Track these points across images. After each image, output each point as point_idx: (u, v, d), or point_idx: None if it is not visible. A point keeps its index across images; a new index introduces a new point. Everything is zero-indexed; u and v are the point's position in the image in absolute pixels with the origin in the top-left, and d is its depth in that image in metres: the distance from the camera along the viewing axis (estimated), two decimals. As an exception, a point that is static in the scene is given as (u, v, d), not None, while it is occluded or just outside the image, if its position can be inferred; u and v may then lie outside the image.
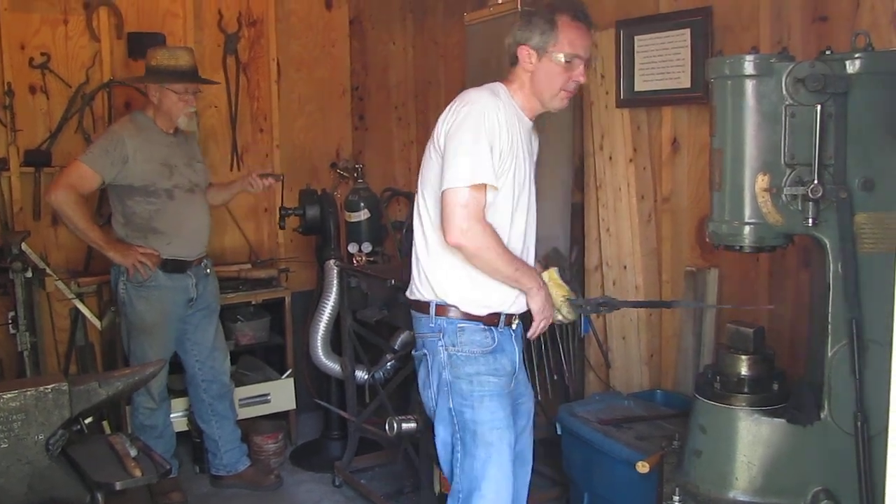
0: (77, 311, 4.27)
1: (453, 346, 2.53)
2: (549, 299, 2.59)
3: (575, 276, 3.72)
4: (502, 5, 3.67)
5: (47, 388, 2.36)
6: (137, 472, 2.46)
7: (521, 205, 2.58)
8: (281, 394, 4.48)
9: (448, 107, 2.54)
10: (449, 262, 2.53)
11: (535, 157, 2.76)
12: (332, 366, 4.23)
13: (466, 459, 2.54)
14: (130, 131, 3.65)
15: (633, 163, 3.63)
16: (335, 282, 4.15)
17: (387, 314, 3.65)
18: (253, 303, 4.52)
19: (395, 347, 4.03)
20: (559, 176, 3.82)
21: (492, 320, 2.55)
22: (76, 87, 4.28)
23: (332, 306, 4.19)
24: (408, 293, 2.71)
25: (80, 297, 4.24)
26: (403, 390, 3.76)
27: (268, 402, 4.44)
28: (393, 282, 3.49)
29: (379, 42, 5.17)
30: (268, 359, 4.71)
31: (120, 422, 4.17)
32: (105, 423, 4.20)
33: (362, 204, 4.53)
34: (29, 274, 3.92)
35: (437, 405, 2.61)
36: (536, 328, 2.58)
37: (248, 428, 4.30)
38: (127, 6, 4.37)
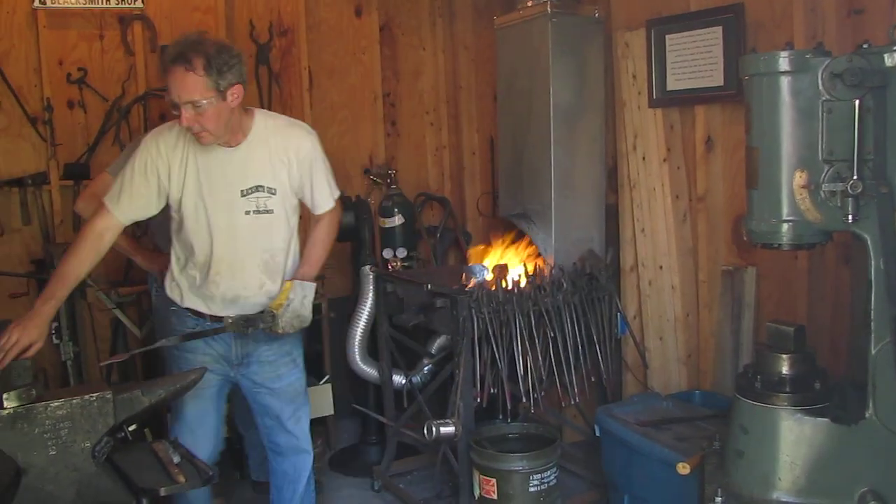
0: (118, 320, 4.32)
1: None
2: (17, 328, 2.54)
3: (611, 277, 3.71)
4: (531, 8, 3.67)
5: (92, 397, 2.40)
6: (181, 479, 2.48)
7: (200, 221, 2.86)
8: (319, 400, 4.50)
9: None
10: None
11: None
12: (369, 371, 4.24)
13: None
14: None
15: (666, 162, 3.61)
16: (371, 287, 4.17)
17: (423, 319, 3.66)
18: (290, 309, 4.55)
19: (432, 351, 4.05)
20: (592, 177, 3.82)
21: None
22: (112, 100, 4.35)
23: (369, 312, 4.20)
24: None
25: (120, 306, 4.29)
26: (441, 394, 3.76)
27: (307, 407, 4.46)
28: (429, 286, 3.50)
29: (409, 48, 5.18)
30: (306, 365, 4.71)
31: (162, 429, 4.21)
32: (147, 431, 4.25)
33: (396, 209, 4.55)
34: (73, 285, 3.97)
35: None
36: None
37: (287, 434, 4.32)
38: (160, 19, 4.43)
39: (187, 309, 2.97)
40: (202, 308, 2.95)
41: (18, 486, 2.28)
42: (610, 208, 3.88)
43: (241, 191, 2.85)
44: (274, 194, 2.88)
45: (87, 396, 2.40)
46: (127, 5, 4.31)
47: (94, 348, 4.34)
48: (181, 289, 2.97)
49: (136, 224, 4.17)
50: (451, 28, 5.14)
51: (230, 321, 2.90)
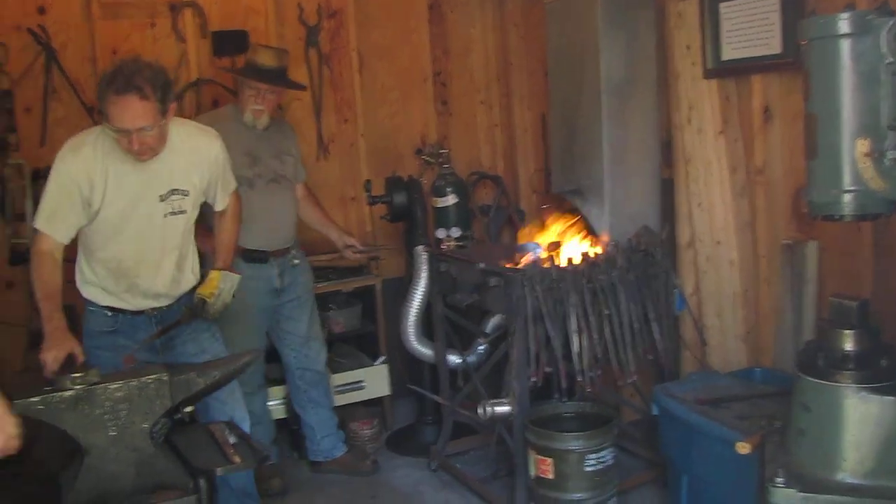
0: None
1: (86, 321, 3.11)
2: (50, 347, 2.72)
3: (667, 253, 3.64)
4: (582, -20, 3.60)
5: (149, 379, 2.44)
6: (237, 459, 2.52)
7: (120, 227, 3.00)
8: (375, 380, 4.54)
9: None
10: None
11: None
12: (424, 351, 4.24)
13: None
14: (214, 122, 3.73)
15: (722, 135, 3.52)
16: (425, 267, 4.15)
17: (477, 298, 3.64)
18: (344, 291, 4.59)
19: (487, 331, 4.03)
20: (646, 152, 3.74)
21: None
22: (166, 84, 4.39)
23: (423, 292, 4.19)
24: None
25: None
26: (496, 374, 3.74)
27: (362, 388, 4.50)
28: (482, 265, 3.48)
29: (459, 26, 5.12)
30: (361, 346, 4.76)
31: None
32: (189, 410, 4.31)
33: (449, 189, 4.52)
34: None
35: None
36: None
37: (345, 414, 4.36)
38: (210, 5, 4.46)
39: (105, 307, 3.08)
40: (122, 305, 3.08)
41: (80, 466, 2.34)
42: (665, 183, 3.80)
43: (160, 195, 3.00)
44: (187, 195, 3.07)
45: (144, 378, 2.44)
46: (177, -7, 4.35)
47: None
48: (98, 289, 3.07)
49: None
50: (500, 4, 5.07)
51: (186, 312, 3.12)
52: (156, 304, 3.12)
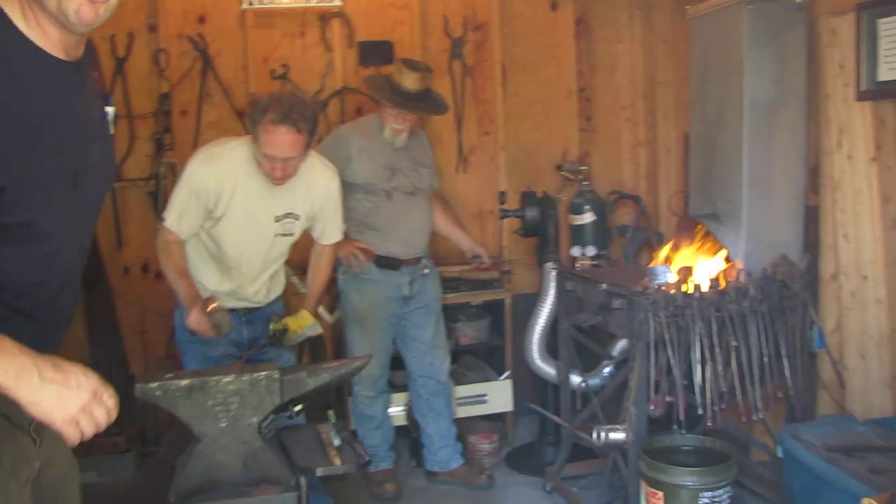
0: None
1: (179, 316, 3.20)
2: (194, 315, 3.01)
3: (807, 286, 3.40)
4: (726, -5, 3.44)
5: (260, 375, 2.52)
6: (337, 461, 2.57)
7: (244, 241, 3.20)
8: (499, 395, 4.50)
9: None
10: None
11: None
12: (547, 369, 4.17)
13: None
14: (357, 132, 3.85)
15: (875, 161, 3.26)
16: (552, 285, 4.09)
17: (601, 319, 3.54)
18: (473, 303, 4.58)
19: (614, 354, 3.92)
20: (790, 176, 3.53)
21: None
22: (312, 94, 4.54)
23: (550, 309, 4.13)
24: None
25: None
26: (619, 398, 3.62)
27: (485, 402, 4.47)
28: (605, 286, 3.37)
29: (605, 41, 5.03)
30: (489, 359, 4.74)
31: (345, 410, 4.36)
32: (330, 412, 4.40)
33: (587, 206, 4.46)
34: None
35: None
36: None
37: (465, 427, 4.34)
38: (358, 16, 4.59)
39: None
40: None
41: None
42: (810, 210, 3.56)
43: (276, 216, 3.19)
44: (298, 220, 3.26)
45: (255, 374, 2.52)
46: (326, 3, 4.50)
47: (289, 330, 4.57)
48: (200, 286, 3.20)
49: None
50: (648, 20, 4.93)
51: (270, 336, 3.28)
52: (248, 305, 3.33)
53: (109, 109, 1.76)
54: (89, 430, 1.42)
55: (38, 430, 1.59)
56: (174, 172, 4.26)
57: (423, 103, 3.86)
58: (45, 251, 1.41)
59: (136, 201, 4.49)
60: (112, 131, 1.79)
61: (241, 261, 3.23)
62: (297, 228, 3.28)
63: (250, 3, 4.42)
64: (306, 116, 2.98)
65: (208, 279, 3.25)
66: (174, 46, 4.40)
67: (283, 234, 3.24)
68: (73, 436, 1.40)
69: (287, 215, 3.21)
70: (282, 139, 2.94)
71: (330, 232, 3.42)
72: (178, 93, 4.42)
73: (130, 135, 4.41)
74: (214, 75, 4.44)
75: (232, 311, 3.20)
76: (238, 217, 3.11)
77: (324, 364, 2.88)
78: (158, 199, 4.30)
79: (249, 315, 3.33)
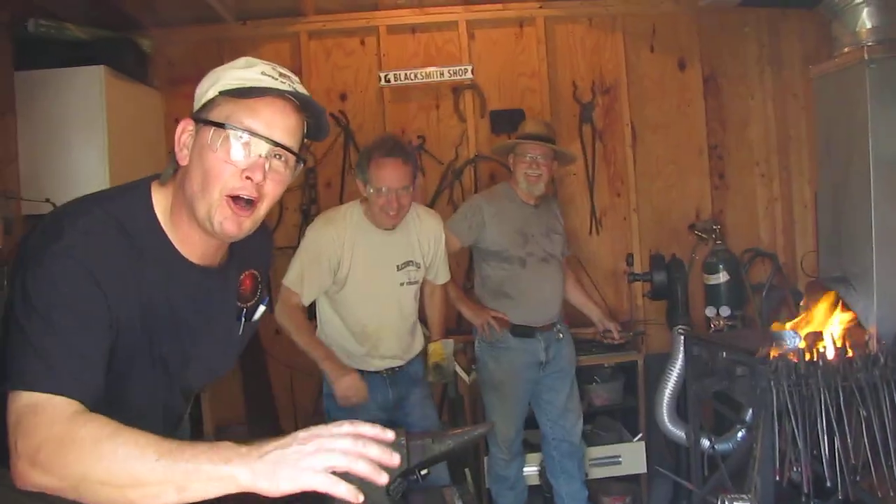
0: (448, 365, 4.70)
1: (326, 383, 3.36)
2: (349, 383, 3.21)
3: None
4: (848, 54, 3.40)
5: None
6: (457, 524, 2.69)
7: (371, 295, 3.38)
8: (632, 456, 4.50)
9: None
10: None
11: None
12: (677, 432, 4.15)
13: None
14: (489, 199, 4.00)
15: None
16: (681, 349, 4.08)
17: (726, 385, 3.51)
18: (606, 365, 4.62)
19: (747, 419, 3.85)
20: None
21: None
22: (447, 163, 4.79)
23: (678, 373, 4.13)
24: None
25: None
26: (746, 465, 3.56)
27: (619, 463, 4.48)
28: (725, 354, 3.36)
29: (736, 97, 5.02)
30: (624, 420, 4.75)
31: (481, 469, 4.48)
32: (466, 471, 4.54)
33: (721, 266, 4.44)
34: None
35: None
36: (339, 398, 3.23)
37: (598, 488, 4.37)
38: (489, 87, 4.81)
39: None
40: (361, 366, 3.38)
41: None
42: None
43: (398, 265, 3.40)
44: (419, 268, 3.47)
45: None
46: (459, 76, 4.73)
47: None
48: (342, 352, 3.39)
49: (467, 276, 4.61)
50: (779, 74, 4.90)
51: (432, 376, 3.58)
52: (391, 364, 3.47)
53: (260, 308, 1.83)
54: (363, 467, 1.37)
55: None
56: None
57: (549, 141, 3.97)
58: (125, 415, 1.39)
59: (284, 268, 4.80)
60: (249, 329, 1.84)
61: (375, 316, 3.39)
62: (420, 276, 3.49)
63: (388, 80, 4.72)
64: (408, 151, 3.36)
65: (345, 342, 3.42)
66: (318, 124, 4.75)
67: (409, 283, 3.44)
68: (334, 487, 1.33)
69: (407, 263, 3.42)
70: (393, 170, 3.22)
71: (442, 273, 3.67)
72: (322, 167, 4.77)
73: (280, 206, 4.76)
74: (356, 148, 4.75)
75: (375, 373, 3.40)
76: (362, 272, 3.33)
77: (450, 431, 3.02)
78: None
79: (393, 376, 3.47)
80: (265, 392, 4.83)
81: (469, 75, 4.74)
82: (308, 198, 4.75)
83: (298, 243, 4.67)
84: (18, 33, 3.89)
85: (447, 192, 4.80)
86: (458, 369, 4.13)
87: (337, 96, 4.78)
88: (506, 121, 4.76)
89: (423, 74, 4.72)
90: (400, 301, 3.44)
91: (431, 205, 4.77)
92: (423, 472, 2.97)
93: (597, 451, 4.43)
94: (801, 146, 4.79)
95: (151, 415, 1.67)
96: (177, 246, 1.61)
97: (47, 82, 3.86)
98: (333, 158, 4.77)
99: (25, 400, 1.34)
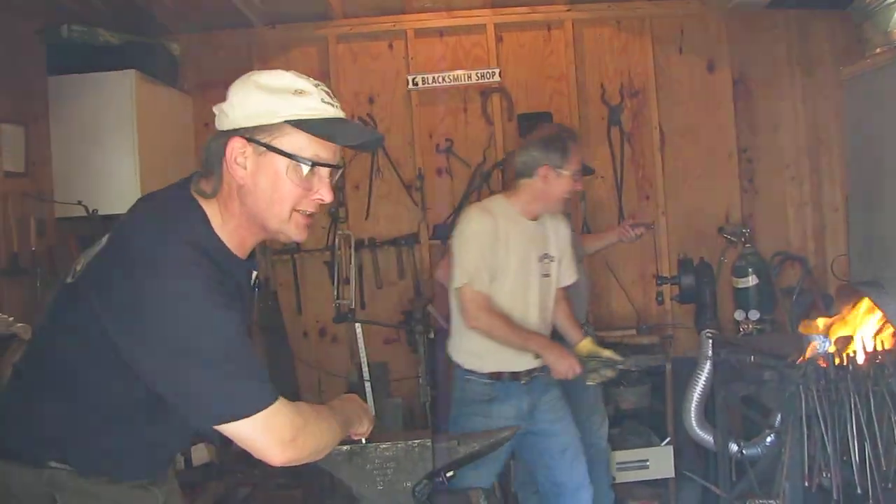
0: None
1: (462, 390, 3.37)
2: (564, 354, 3.28)
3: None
4: (880, 55, 3.36)
5: (414, 443, 2.68)
6: (482, 526, 2.69)
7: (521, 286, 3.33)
8: (660, 461, 4.47)
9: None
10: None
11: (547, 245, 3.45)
12: (705, 437, 4.12)
13: None
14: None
15: None
16: (708, 353, 4.06)
17: (754, 390, 3.48)
18: (633, 368, 4.58)
19: (775, 424, 3.82)
20: None
21: (494, 376, 3.31)
22: (475, 166, 4.80)
23: (706, 377, 4.10)
24: None
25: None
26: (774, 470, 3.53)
27: (646, 468, 4.45)
28: (753, 358, 3.33)
29: (766, 100, 4.98)
30: (652, 424, 4.72)
31: (508, 473, 4.47)
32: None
33: (750, 269, 4.38)
34: (431, 335, 4.44)
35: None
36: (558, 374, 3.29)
37: (626, 492, 4.34)
38: (517, 90, 4.82)
39: (486, 375, 3.34)
40: (506, 367, 3.33)
41: None
42: None
43: (538, 257, 3.38)
44: (553, 261, 3.44)
45: (410, 442, 2.69)
46: (487, 80, 4.75)
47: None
48: (486, 354, 3.32)
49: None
50: (810, 77, 4.86)
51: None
52: (531, 365, 3.37)
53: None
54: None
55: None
56: (348, 244, 4.61)
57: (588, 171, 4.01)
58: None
59: (313, 270, 4.88)
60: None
61: (522, 307, 3.36)
62: (554, 270, 3.46)
63: (415, 84, 4.74)
64: None
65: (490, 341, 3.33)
66: (346, 127, 4.78)
67: (545, 275, 3.41)
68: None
69: (545, 256, 3.41)
70: (579, 153, 3.38)
71: (570, 271, 3.59)
72: (351, 169, 4.79)
73: (309, 209, 4.80)
74: (384, 151, 4.79)
75: (516, 377, 3.34)
76: (513, 260, 3.31)
77: (474, 434, 3.03)
78: (334, 268, 4.65)
79: (530, 383, 3.39)
80: (293, 395, 4.84)
81: (497, 78, 4.76)
82: (336, 200, 4.71)
83: (327, 246, 4.77)
84: (52, 39, 3.96)
85: (475, 195, 4.80)
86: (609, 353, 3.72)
87: (365, 99, 4.82)
88: (533, 124, 4.74)
89: (451, 77, 4.74)
90: (541, 294, 3.40)
91: (459, 209, 4.78)
92: (449, 473, 2.99)
93: (624, 455, 4.41)
94: (832, 149, 4.75)
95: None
96: (233, 250, 1.75)
97: (79, 87, 3.93)
98: (361, 161, 4.80)
99: (257, 417, 1.61)
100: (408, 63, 4.80)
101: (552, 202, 3.37)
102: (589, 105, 4.89)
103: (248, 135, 1.65)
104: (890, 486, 3.06)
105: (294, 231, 1.73)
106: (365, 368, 4.49)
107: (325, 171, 1.70)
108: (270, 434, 1.63)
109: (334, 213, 4.77)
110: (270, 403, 1.62)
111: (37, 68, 3.94)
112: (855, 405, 3.02)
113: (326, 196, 1.72)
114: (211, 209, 1.71)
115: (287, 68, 1.73)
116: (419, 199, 4.79)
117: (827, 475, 3.08)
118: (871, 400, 3.04)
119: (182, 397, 1.61)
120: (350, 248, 4.66)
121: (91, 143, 3.97)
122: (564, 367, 3.28)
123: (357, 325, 4.48)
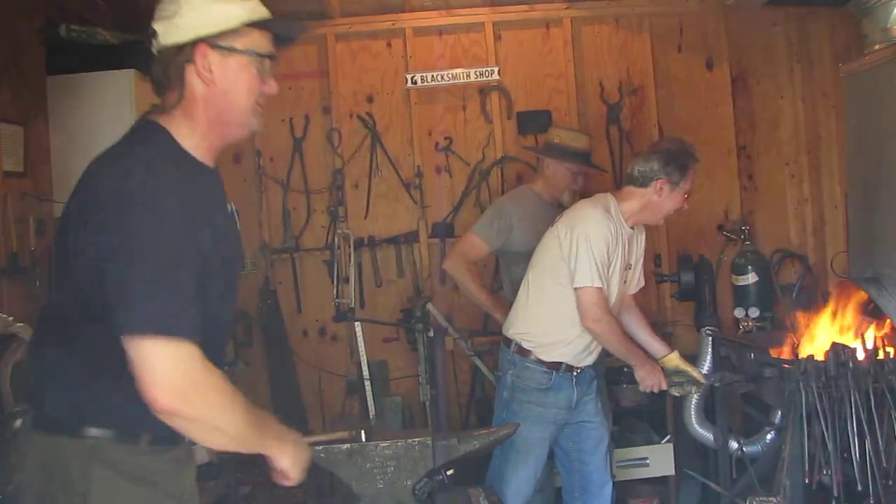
0: (476, 366, 4.70)
1: (518, 377, 3.42)
2: (656, 371, 3.45)
3: None
4: (879, 52, 3.36)
5: (414, 441, 2.70)
6: (484, 524, 2.70)
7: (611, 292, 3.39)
8: (660, 458, 4.46)
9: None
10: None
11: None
12: (704, 434, 4.11)
13: (496, 459, 3.48)
14: (515, 202, 4.02)
15: None
16: (708, 350, 4.05)
17: (754, 387, 3.49)
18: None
19: (776, 421, 3.82)
20: None
21: (553, 366, 3.40)
22: (473, 164, 4.80)
23: (706, 373, 4.09)
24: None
25: (478, 355, 4.66)
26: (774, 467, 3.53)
27: (646, 465, 4.44)
28: (753, 355, 3.33)
29: (765, 97, 4.98)
30: (652, 421, 4.72)
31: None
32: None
33: (749, 267, 4.39)
34: (430, 333, 4.43)
35: (495, 413, 3.58)
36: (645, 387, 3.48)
37: (626, 490, 4.34)
38: (515, 88, 4.82)
39: (546, 363, 3.42)
40: (571, 361, 3.44)
41: None
42: None
43: (628, 264, 3.47)
44: (631, 269, 3.52)
45: (410, 440, 2.70)
46: (486, 78, 4.74)
47: (454, 391, 4.77)
48: (563, 346, 3.41)
49: (494, 278, 4.61)
50: (809, 73, 4.86)
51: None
52: (584, 364, 3.49)
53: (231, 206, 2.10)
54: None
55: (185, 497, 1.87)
56: (347, 243, 4.61)
57: (593, 163, 4.14)
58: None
59: (313, 269, 4.87)
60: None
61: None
62: (630, 277, 3.54)
63: (414, 82, 4.74)
64: None
65: (569, 334, 3.41)
66: (346, 125, 4.79)
67: (625, 282, 3.49)
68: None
69: (629, 265, 3.50)
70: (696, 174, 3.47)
71: (638, 280, 3.65)
72: (350, 168, 4.80)
73: (308, 208, 4.82)
74: (383, 150, 4.79)
75: (570, 371, 3.44)
76: (618, 262, 3.38)
77: (474, 431, 3.04)
78: (333, 267, 4.65)
79: (579, 376, 3.49)
80: (293, 394, 4.86)
81: (496, 76, 4.75)
82: (336, 199, 4.78)
83: (326, 245, 4.77)
84: (50, 38, 3.95)
85: (474, 193, 4.81)
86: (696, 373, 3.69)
87: (364, 98, 4.81)
88: (533, 122, 4.78)
89: (450, 76, 4.74)
90: (617, 300, 3.45)
91: (458, 207, 4.79)
92: (449, 471, 3.00)
93: (623, 453, 4.40)
94: (832, 146, 4.75)
95: (217, 338, 1.87)
96: (200, 159, 1.86)
97: (78, 86, 3.92)
98: (360, 160, 4.80)
99: (168, 342, 1.57)
100: (406, 61, 4.80)
101: (658, 215, 3.46)
102: (588, 103, 4.88)
103: (212, 41, 1.78)
104: (890, 483, 3.07)
105: (256, 121, 1.88)
106: (364, 367, 4.51)
107: (269, 63, 1.86)
108: (164, 367, 1.58)
109: (333, 212, 4.76)
110: (182, 338, 1.60)
111: (35, 68, 3.93)
112: (855, 402, 3.03)
113: (274, 85, 1.88)
114: (174, 126, 1.83)
115: (286, 67, 1.80)
116: (418, 198, 4.78)
117: (827, 472, 3.09)
118: (872, 397, 3.05)
119: (115, 297, 1.61)
120: (349, 246, 4.66)
121: (90, 143, 3.91)
122: (653, 382, 3.45)
123: (357, 323, 4.50)
